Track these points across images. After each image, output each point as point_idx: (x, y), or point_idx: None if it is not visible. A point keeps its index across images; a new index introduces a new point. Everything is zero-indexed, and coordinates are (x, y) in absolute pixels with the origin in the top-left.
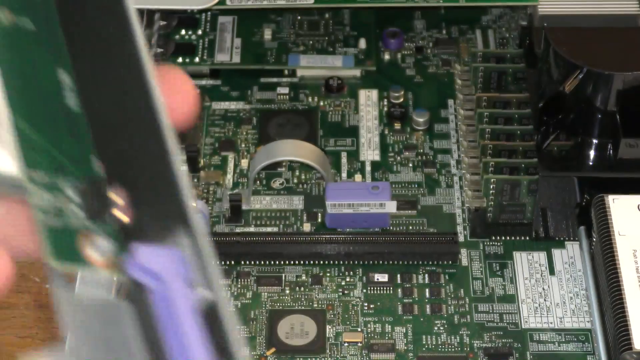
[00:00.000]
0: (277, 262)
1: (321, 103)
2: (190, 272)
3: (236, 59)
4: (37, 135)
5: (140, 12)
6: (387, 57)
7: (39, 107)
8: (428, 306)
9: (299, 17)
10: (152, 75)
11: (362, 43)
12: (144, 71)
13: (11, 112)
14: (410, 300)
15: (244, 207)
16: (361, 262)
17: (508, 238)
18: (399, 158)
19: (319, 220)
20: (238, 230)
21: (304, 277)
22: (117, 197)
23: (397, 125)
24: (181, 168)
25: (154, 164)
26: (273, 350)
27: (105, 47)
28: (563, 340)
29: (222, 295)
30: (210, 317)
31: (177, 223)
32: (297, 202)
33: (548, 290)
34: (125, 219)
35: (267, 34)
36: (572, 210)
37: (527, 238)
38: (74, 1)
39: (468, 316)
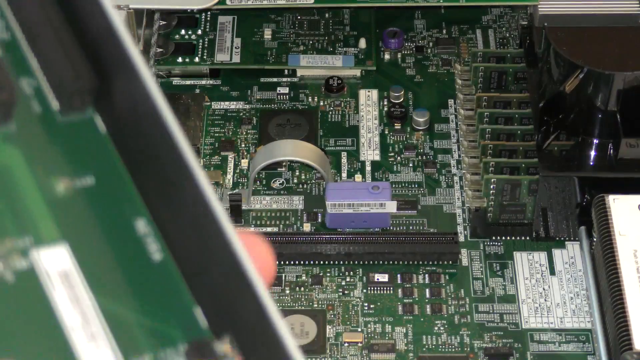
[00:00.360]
0: (277, 262)
1: (321, 103)
2: None
3: (236, 58)
4: (130, 312)
5: (140, 12)
6: (387, 57)
7: (123, 273)
8: (428, 306)
9: (299, 17)
10: (233, 232)
11: (362, 43)
12: (223, 227)
13: (93, 293)
14: (411, 301)
15: (244, 207)
16: (361, 262)
17: (508, 238)
18: (399, 158)
19: (319, 220)
20: (238, 230)
21: (304, 277)
22: (229, 350)
23: (397, 125)
24: (280, 320)
25: (254, 319)
26: None
27: (177, 195)
28: (563, 340)
29: None
30: None
31: None
32: (297, 202)
33: (548, 291)
34: None
35: (267, 34)
36: (572, 210)
37: (528, 238)
38: (141, 153)
39: (468, 316)
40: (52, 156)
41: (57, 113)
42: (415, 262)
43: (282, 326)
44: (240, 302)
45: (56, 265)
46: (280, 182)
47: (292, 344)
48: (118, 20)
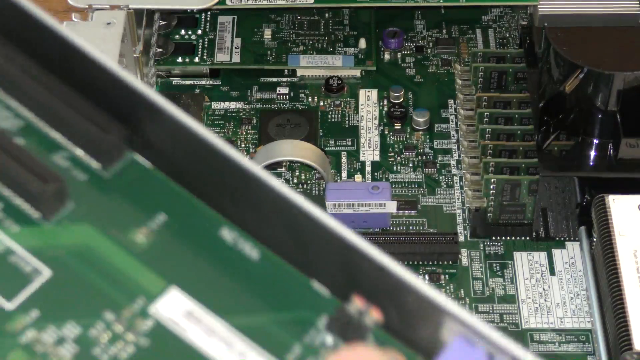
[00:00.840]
0: None
1: (321, 103)
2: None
3: (236, 59)
4: (260, 316)
5: (140, 12)
6: (387, 57)
7: (234, 284)
8: None
9: (299, 17)
10: (306, 203)
11: (362, 43)
12: (298, 203)
13: (221, 317)
14: None
15: None
16: None
17: (508, 238)
18: (399, 158)
19: None
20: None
21: None
22: (362, 304)
23: (397, 125)
24: (390, 261)
25: (369, 269)
26: None
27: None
28: (563, 340)
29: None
30: None
31: (440, 314)
32: None
33: (548, 291)
34: (380, 317)
35: (267, 34)
36: (572, 210)
37: (528, 238)
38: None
39: None
40: (118, 212)
41: (101, 171)
42: (415, 262)
43: (395, 265)
44: (351, 259)
45: (176, 309)
46: (280, 182)
47: (410, 277)
48: (116, 67)
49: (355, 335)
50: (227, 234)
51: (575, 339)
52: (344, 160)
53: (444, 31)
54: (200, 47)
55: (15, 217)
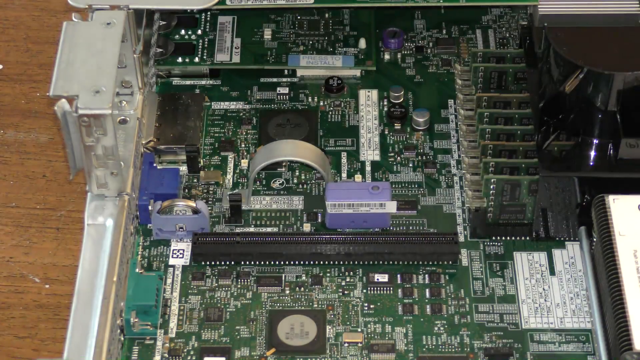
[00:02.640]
0: (277, 262)
1: (321, 103)
2: None
3: (236, 59)
4: None
5: (140, 12)
6: (387, 57)
7: None
8: (428, 306)
9: (299, 17)
10: None
11: (362, 43)
12: None
13: None
14: (411, 301)
15: (244, 207)
16: (361, 263)
17: (508, 238)
18: (399, 158)
19: (319, 220)
20: (238, 230)
21: (304, 278)
22: None
23: (397, 125)
24: None
25: None
26: (273, 350)
27: None
28: (563, 340)
29: None
30: None
31: None
32: (297, 202)
33: (548, 291)
34: None
35: (267, 34)
36: (572, 210)
37: (528, 238)
38: None
39: (468, 316)
40: None
41: None
42: (415, 262)
43: None
44: None
45: None
46: (280, 182)
47: None
48: None
49: None
50: None
51: (575, 339)
52: (344, 160)
53: (444, 31)
54: (200, 47)
55: None
